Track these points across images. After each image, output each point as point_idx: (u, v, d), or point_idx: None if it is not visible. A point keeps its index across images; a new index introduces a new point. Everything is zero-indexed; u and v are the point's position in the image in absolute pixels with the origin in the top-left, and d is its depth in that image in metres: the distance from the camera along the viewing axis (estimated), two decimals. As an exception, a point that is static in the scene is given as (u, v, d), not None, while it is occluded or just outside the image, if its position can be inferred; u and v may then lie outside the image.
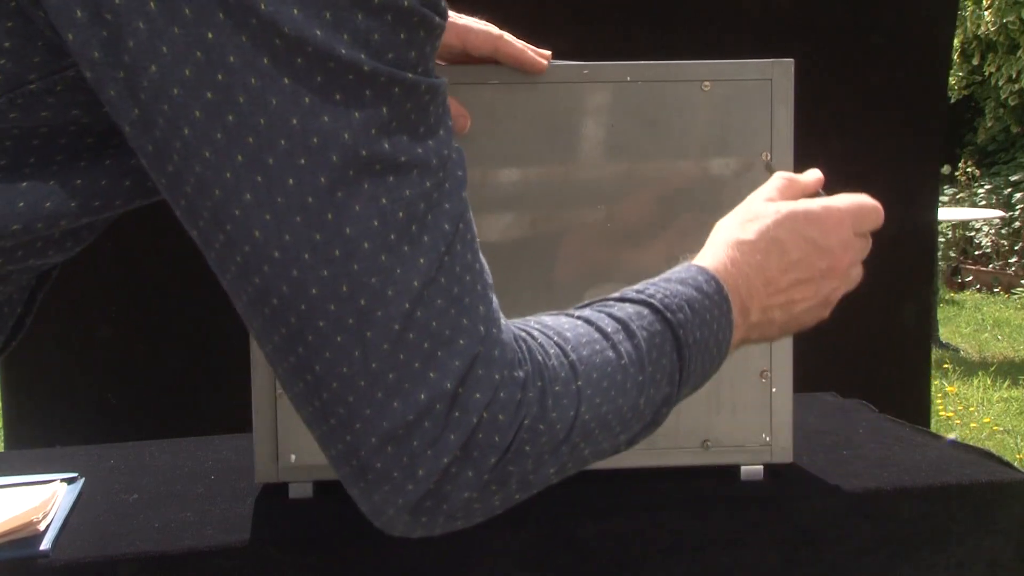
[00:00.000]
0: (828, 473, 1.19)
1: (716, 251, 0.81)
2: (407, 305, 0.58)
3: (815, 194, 0.90)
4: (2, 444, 2.71)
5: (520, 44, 1.08)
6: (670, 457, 1.17)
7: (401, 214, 0.57)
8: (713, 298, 0.75)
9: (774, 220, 0.82)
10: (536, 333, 0.67)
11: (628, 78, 1.11)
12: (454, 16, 1.03)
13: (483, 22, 1.06)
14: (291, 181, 0.55)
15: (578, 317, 0.71)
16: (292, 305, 0.57)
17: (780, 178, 0.88)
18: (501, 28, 1.07)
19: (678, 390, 0.74)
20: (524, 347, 0.64)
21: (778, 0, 2.04)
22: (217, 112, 0.54)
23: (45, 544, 1.02)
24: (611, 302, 0.73)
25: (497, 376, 0.61)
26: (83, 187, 0.63)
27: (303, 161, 0.55)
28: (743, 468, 1.18)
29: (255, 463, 1.14)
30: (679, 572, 1.10)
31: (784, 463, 1.18)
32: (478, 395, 0.60)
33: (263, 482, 1.15)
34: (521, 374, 0.62)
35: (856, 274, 0.87)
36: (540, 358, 0.65)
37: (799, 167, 1.14)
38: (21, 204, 0.61)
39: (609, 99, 1.12)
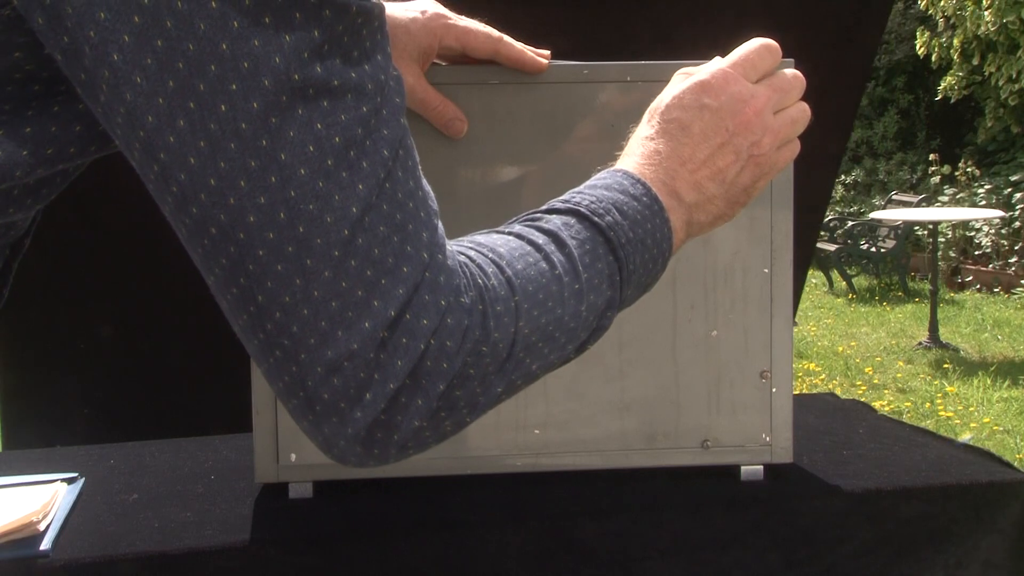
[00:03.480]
0: (828, 473, 1.19)
1: (629, 154, 0.81)
2: (346, 232, 0.57)
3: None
4: (1, 444, 2.71)
5: (520, 46, 1.08)
6: (670, 457, 1.18)
7: (337, 139, 0.57)
8: (640, 198, 0.75)
9: (664, 107, 0.81)
10: (473, 254, 0.66)
11: (628, 78, 1.12)
12: (454, 18, 1.03)
13: (482, 24, 1.06)
14: (223, 107, 0.54)
15: (509, 233, 0.71)
16: (230, 234, 0.57)
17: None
18: (501, 30, 1.07)
19: (620, 292, 0.73)
20: (467, 271, 0.64)
21: (778, 0, 2.05)
22: (145, 36, 0.54)
23: (45, 544, 1.02)
24: (538, 215, 0.73)
25: (443, 302, 0.61)
26: (33, 135, 0.62)
27: (234, 87, 0.54)
28: (743, 468, 1.18)
29: (255, 463, 1.14)
30: (679, 572, 1.10)
31: (784, 463, 1.18)
32: (425, 321, 0.60)
33: (263, 482, 1.15)
34: (467, 300, 0.62)
35: (784, 118, 0.83)
36: (480, 281, 0.64)
37: (799, 167, 1.14)
38: None
39: (609, 99, 1.12)
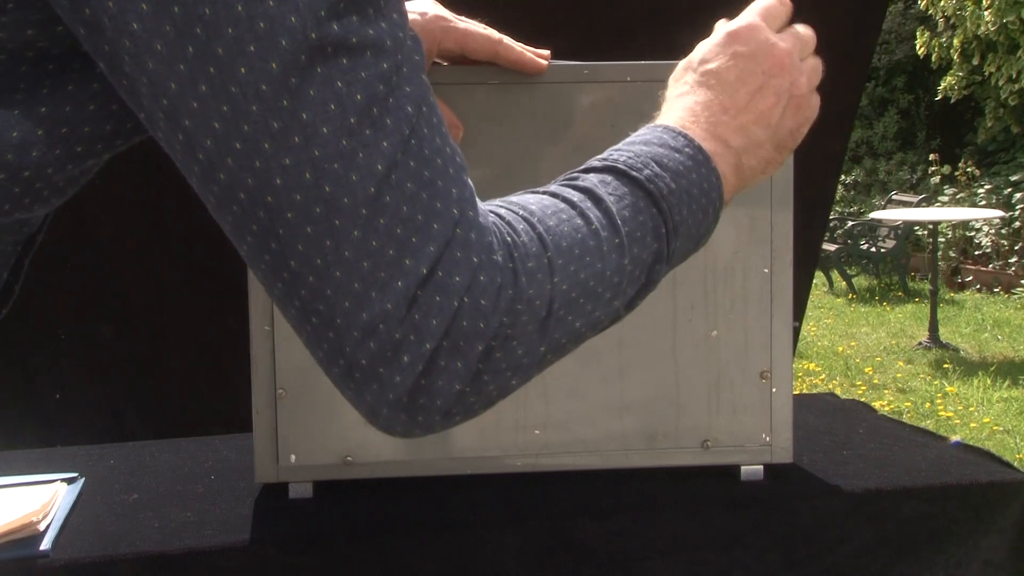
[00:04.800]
0: (828, 473, 1.19)
1: (667, 111, 0.81)
2: (373, 189, 0.57)
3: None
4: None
5: (519, 47, 1.08)
6: (670, 457, 1.18)
7: (359, 96, 0.56)
8: (683, 149, 0.74)
9: (697, 61, 0.82)
10: (503, 212, 0.66)
11: (628, 78, 1.12)
12: (453, 19, 1.03)
13: (482, 25, 1.05)
14: (243, 70, 0.55)
15: (543, 192, 0.70)
16: (259, 198, 0.57)
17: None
18: (501, 29, 1.07)
19: (668, 243, 0.71)
20: (497, 228, 0.63)
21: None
22: (162, 4, 0.54)
23: (45, 544, 1.02)
24: (575, 174, 0.72)
25: (475, 259, 0.60)
26: (48, 114, 0.62)
27: (252, 48, 0.54)
28: (743, 468, 1.18)
29: (255, 463, 1.14)
30: (679, 572, 1.10)
31: (784, 463, 1.18)
32: (457, 279, 0.59)
33: (263, 482, 1.15)
34: (499, 258, 0.61)
35: (809, 65, 0.84)
36: (510, 238, 0.63)
37: (798, 166, 1.14)
38: None
39: (609, 99, 1.12)
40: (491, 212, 0.65)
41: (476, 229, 0.61)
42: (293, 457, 1.14)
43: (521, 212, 0.66)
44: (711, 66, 0.81)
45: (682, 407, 1.17)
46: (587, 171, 0.73)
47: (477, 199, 0.63)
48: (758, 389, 1.17)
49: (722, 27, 0.84)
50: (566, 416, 1.16)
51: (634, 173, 0.71)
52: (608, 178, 0.71)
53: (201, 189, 0.59)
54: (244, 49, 0.55)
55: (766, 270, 1.16)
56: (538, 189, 0.71)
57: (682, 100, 0.80)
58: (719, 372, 1.17)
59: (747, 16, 0.83)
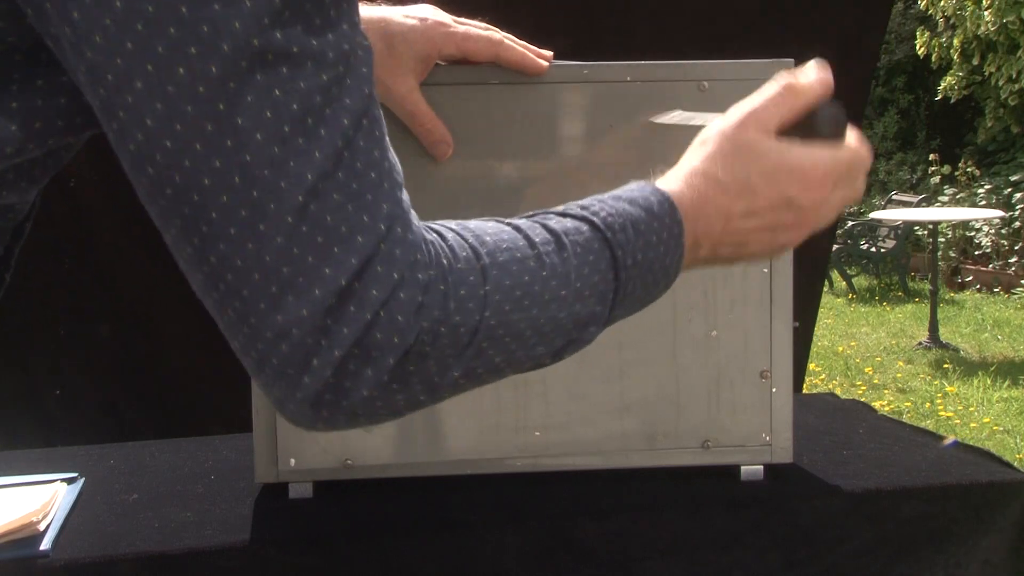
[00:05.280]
0: (828, 473, 1.19)
1: (684, 178, 0.76)
2: (300, 199, 0.57)
3: (815, 111, 0.79)
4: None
5: (520, 48, 1.07)
6: (670, 457, 1.17)
7: (295, 106, 0.57)
8: (664, 220, 0.72)
9: (755, 164, 0.76)
10: (450, 236, 0.66)
11: (628, 78, 1.11)
12: (453, 24, 1.03)
13: (482, 26, 1.05)
14: (181, 70, 0.55)
15: (509, 224, 0.70)
16: (185, 196, 0.57)
17: (779, 86, 0.78)
18: (502, 29, 1.07)
19: (610, 311, 0.71)
20: (432, 249, 0.63)
21: (779, 5, 2.05)
22: None
23: (45, 544, 1.02)
24: (551, 215, 0.72)
25: (396, 275, 0.60)
26: (20, 109, 0.63)
27: (193, 50, 0.55)
28: (743, 468, 1.18)
29: (255, 463, 1.14)
30: (679, 572, 1.10)
31: (784, 463, 1.18)
32: (375, 292, 0.60)
33: (263, 482, 1.15)
34: (423, 277, 0.62)
35: (823, 219, 0.80)
36: (446, 261, 0.64)
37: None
38: None
39: (609, 99, 1.12)
40: (435, 232, 0.65)
41: (402, 246, 0.61)
42: (293, 461, 1.14)
43: (471, 240, 0.66)
44: (756, 182, 0.75)
45: (682, 407, 1.17)
46: (564, 214, 0.72)
47: (412, 215, 0.63)
48: (758, 389, 1.17)
49: (810, 152, 0.77)
50: (566, 417, 1.16)
51: (608, 233, 0.70)
52: (583, 228, 0.70)
53: (131, 175, 0.60)
54: (185, 50, 0.55)
55: (765, 270, 1.16)
56: (504, 220, 0.71)
57: (704, 181, 0.76)
58: (719, 372, 1.17)
59: (829, 161, 0.77)
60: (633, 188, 0.74)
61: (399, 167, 0.63)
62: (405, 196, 0.63)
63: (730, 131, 0.77)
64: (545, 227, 0.70)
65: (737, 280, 1.16)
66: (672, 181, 0.76)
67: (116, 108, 0.57)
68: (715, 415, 1.17)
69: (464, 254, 0.65)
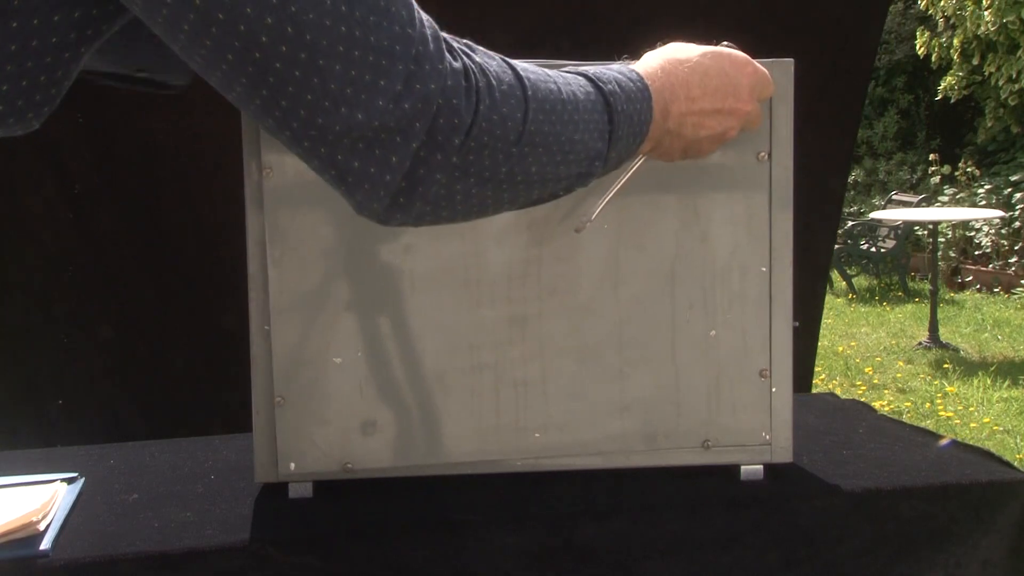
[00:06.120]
0: (828, 473, 1.19)
1: (648, 61, 0.92)
2: (343, 28, 0.65)
3: None
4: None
5: None
6: (670, 457, 1.17)
7: None
8: (637, 84, 0.86)
9: (701, 50, 0.95)
10: (478, 48, 0.75)
11: (628, 78, 1.11)
12: None
13: None
14: None
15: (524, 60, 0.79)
16: (247, 57, 0.64)
17: None
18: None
19: (608, 148, 0.83)
20: (457, 46, 0.72)
21: (776, 3, 2.05)
22: None
23: (45, 544, 1.02)
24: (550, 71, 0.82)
25: (440, 67, 0.69)
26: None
27: None
28: (743, 468, 1.18)
29: (255, 463, 1.14)
30: (679, 572, 1.10)
31: (784, 463, 1.18)
32: (432, 86, 0.68)
33: (263, 482, 1.15)
34: (459, 64, 0.71)
35: (748, 123, 0.99)
36: (479, 60, 0.73)
37: (798, 166, 1.14)
38: None
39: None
40: (464, 42, 0.74)
41: (436, 43, 0.70)
42: (292, 465, 1.14)
43: (498, 57, 0.76)
44: (706, 62, 0.93)
45: (682, 407, 1.17)
46: (560, 70, 0.82)
47: (424, 15, 0.71)
48: (758, 389, 1.17)
49: (729, 48, 0.98)
50: (566, 417, 1.16)
51: (600, 83, 0.82)
52: (580, 78, 0.82)
53: (185, 54, 0.66)
54: None
55: (764, 269, 1.15)
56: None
57: (667, 62, 0.91)
58: (719, 372, 1.17)
59: (753, 62, 0.98)
60: (611, 64, 0.89)
61: None
62: (415, 2, 0.70)
63: (675, 43, 0.96)
64: (549, 71, 0.80)
65: (735, 279, 1.16)
66: (642, 64, 0.91)
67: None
68: (715, 415, 1.17)
69: (496, 61, 0.75)
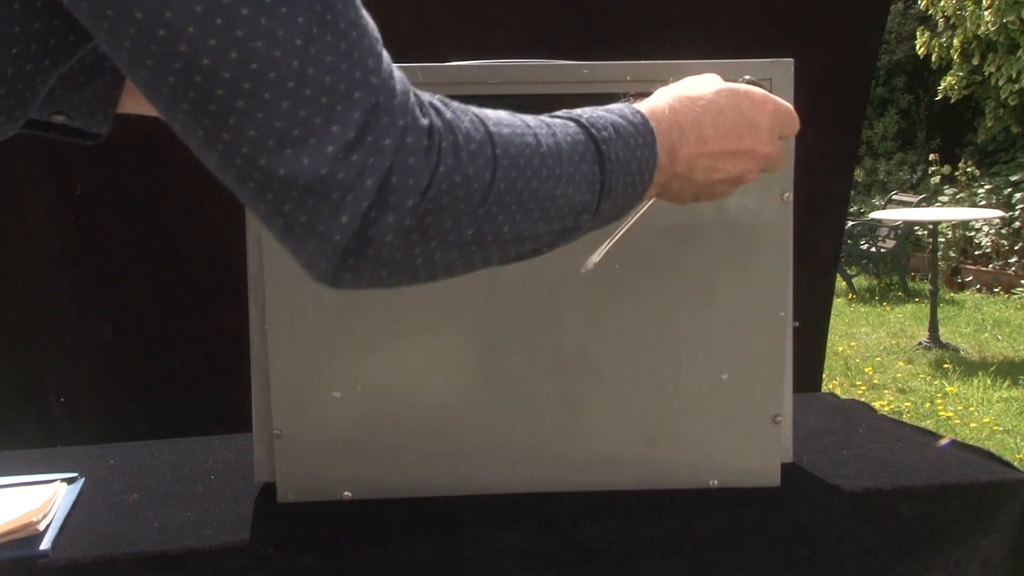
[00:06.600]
0: (828, 473, 1.18)
1: (656, 99, 0.86)
2: (296, 63, 0.61)
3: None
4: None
5: None
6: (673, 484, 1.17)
7: None
8: (639, 127, 0.80)
9: (716, 87, 0.88)
10: (453, 102, 0.70)
11: (628, 78, 1.11)
12: None
13: None
14: None
15: (501, 111, 0.74)
16: (188, 80, 0.60)
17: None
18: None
19: (599, 201, 0.77)
20: (427, 102, 0.68)
21: (778, 3, 2.04)
22: None
23: (45, 544, 1.02)
24: (538, 117, 0.78)
25: (401, 122, 0.65)
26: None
27: None
28: (743, 468, 1.18)
29: (255, 463, 1.14)
30: (679, 572, 1.10)
31: (784, 463, 1.18)
32: (387, 141, 0.64)
33: (263, 482, 1.15)
34: (426, 121, 0.66)
35: (768, 165, 0.92)
36: (450, 117, 0.68)
37: (800, 168, 1.14)
38: None
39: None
40: (439, 99, 0.69)
41: (400, 96, 0.65)
42: (291, 496, 1.13)
43: (472, 112, 0.71)
44: (720, 100, 0.87)
45: (690, 448, 1.15)
46: (550, 116, 0.77)
47: (395, 68, 0.67)
48: (769, 432, 1.15)
49: (745, 84, 0.91)
50: (568, 457, 1.15)
51: (592, 130, 0.77)
52: (569, 123, 0.77)
53: (130, 73, 0.62)
54: None
55: (783, 313, 1.14)
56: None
57: (677, 100, 0.85)
58: (731, 415, 1.14)
59: (774, 99, 0.91)
60: (611, 105, 0.83)
61: (374, 25, 0.66)
62: (384, 51, 0.66)
63: (692, 76, 0.90)
64: (535, 118, 0.75)
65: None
66: (648, 103, 0.85)
67: (105, 7, 0.59)
68: (724, 459, 1.15)
69: (468, 118, 0.70)
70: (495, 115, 0.72)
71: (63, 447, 1.42)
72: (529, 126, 0.73)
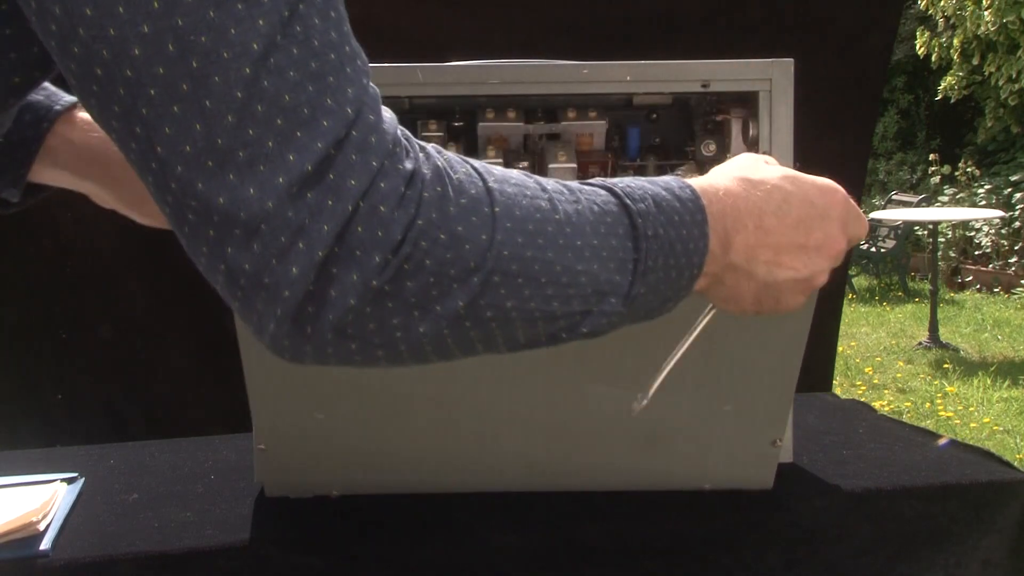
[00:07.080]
0: (828, 473, 1.18)
1: (712, 177, 0.73)
2: (248, 70, 0.51)
3: None
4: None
5: None
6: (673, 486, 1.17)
7: None
8: (687, 204, 0.67)
9: (782, 173, 0.75)
10: (448, 154, 0.61)
11: (628, 78, 1.11)
12: None
13: None
14: None
15: (520, 171, 0.65)
16: (117, 72, 0.51)
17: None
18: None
19: (631, 284, 0.64)
20: (418, 147, 0.58)
21: (778, 0, 2.04)
22: None
23: (45, 544, 1.02)
24: (562, 181, 0.67)
25: (375, 163, 0.54)
26: None
27: None
28: (743, 468, 1.18)
29: (255, 463, 1.14)
30: (679, 572, 1.10)
31: (784, 463, 1.18)
32: (352, 182, 0.53)
33: (263, 482, 1.15)
34: (409, 166, 0.56)
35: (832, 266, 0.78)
36: (441, 164, 0.58)
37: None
38: None
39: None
40: (432, 147, 0.60)
41: (377, 133, 0.55)
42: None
43: (473, 163, 0.61)
44: (786, 186, 0.73)
45: (685, 462, 1.14)
46: (583, 182, 0.67)
47: (383, 107, 0.58)
48: (767, 454, 1.13)
49: (821, 181, 0.77)
50: (565, 453, 1.14)
51: (627, 201, 0.65)
52: (600, 191, 0.65)
53: (61, 65, 0.54)
54: None
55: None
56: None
57: (735, 181, 0.72)
58: (729, 440, 1.13)
59: (843, 192, 0.77)
60: (657, 177, 0.70)
61: (365, 58, 0.57)
62: (374, 88, 0.57)
63: (749, 155, 0.76)
64: (558, 182, 0.65)
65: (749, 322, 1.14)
66: (703, 179, 0.72)
67: None
68: (719, 472, 1.14)
69: (464, 169, 0.59)
70: (501, 172, 0.62)
71: (63, 447, 1.42)
72: (544, 188, 0.62)
